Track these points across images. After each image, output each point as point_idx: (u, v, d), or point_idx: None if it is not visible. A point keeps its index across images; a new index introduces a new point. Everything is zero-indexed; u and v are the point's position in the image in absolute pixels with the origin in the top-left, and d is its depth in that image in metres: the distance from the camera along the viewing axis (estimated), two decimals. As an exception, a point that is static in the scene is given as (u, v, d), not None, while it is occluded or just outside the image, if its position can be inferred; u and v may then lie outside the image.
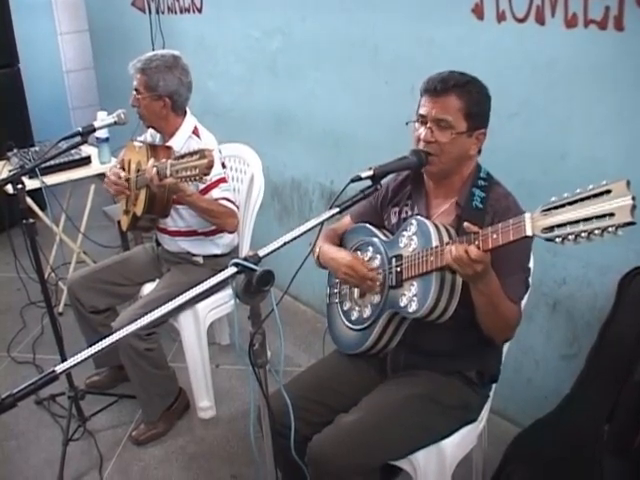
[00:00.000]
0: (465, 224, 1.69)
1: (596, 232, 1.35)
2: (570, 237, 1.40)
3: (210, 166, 2.26)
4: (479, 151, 1.95)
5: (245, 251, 2.96)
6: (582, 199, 1.39)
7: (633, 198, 1.31)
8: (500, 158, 2.18)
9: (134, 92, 2.75)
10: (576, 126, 2.29)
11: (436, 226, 1.85)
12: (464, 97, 1.85)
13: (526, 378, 2.71)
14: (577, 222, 1.39)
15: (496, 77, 2.12)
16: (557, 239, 1.43)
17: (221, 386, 3.21)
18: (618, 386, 2.11)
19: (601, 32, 2.10)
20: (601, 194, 1.36)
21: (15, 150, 3.86)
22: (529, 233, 1.51)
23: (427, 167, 1.91)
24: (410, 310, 1.84)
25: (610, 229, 1.33)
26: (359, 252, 2.13)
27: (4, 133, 4.21)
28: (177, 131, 2.83)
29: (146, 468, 2.75)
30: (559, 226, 1.43)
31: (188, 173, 2.29)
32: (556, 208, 1.44)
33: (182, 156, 2.34)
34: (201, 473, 2.71)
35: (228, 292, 2.96)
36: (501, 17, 2.37)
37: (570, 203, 1.41)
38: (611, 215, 1.33)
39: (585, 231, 1.37)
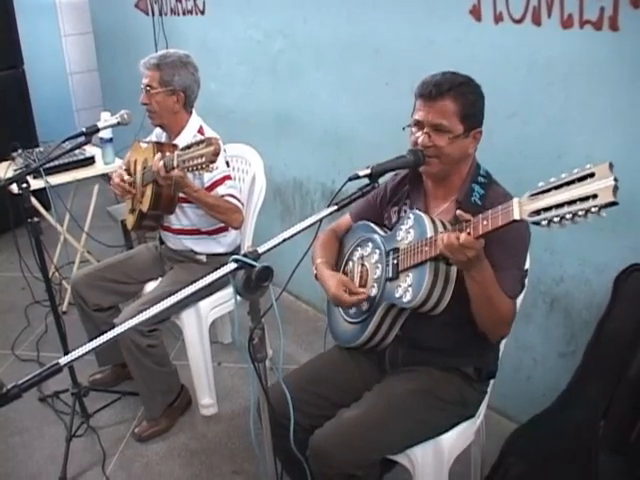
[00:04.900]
0: (458, 212, 1.73)
1: (580, 213, 1.38)
2: (555, 219, 1.43)
3: (217, 153, 2.28)
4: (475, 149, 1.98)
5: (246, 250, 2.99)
6: (567, 183, 1.42)
7: (615, 179, 1.34)
8: (499, 158, 2.20)
9: (146, 89, 2.77)
10: (573, 125, 2.32)
11: (432, 219, 1.89)
12: (459, 100, 1.86)
13: (525, 376, 2.74)
14: (562, 205, 1.42)
15: (494, 77, 2.15)
16: (543, 222, 1.46)
17: (223, 384, 3.24)
18: (614, 382, 2.13)
19: (596, 32, 2.13)
20: (585, 177, 1.39)
21: (20, 150, 3.89)
22: (517, 217, 1.54)
23: (427, 168, 1.94)
24: (405, 300, 1.87)
25: (593, 209, 1.35)
26: (360, 248, 2.16)
27: (9, 134, 4.24)
28: (183, 130, 2.87)
29: (148, 464, 2.78)
30: (545, 210, 1.46)
31: (195, 162, 2.31)
32: (543, 193, 1.47)
33: (189, 146, 2.37)
34: (203, 469, 2.74)
35: (230, 290, 2.99)
36: (498, 18, 2.40)
37: (556, 187, 1.45)
38: (594, 196, 1.36)
39: (569, 213, 1.39)
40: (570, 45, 2.22)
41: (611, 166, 1.36)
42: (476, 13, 2.47)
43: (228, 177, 2.81)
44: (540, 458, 2.22)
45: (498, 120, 2.20)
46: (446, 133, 1.87)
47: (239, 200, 2.78)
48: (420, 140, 1.90)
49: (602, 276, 2.36)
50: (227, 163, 2.88)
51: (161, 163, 2.47)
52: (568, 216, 1.40)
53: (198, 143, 2.33)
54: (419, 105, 1.92)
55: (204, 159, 2.29)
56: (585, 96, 2.26)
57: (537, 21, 2.28)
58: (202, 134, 2.84)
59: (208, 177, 2.74)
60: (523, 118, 2.45)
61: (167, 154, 2.50)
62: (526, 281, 2.04)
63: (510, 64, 2.43)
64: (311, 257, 2.17)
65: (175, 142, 2.81)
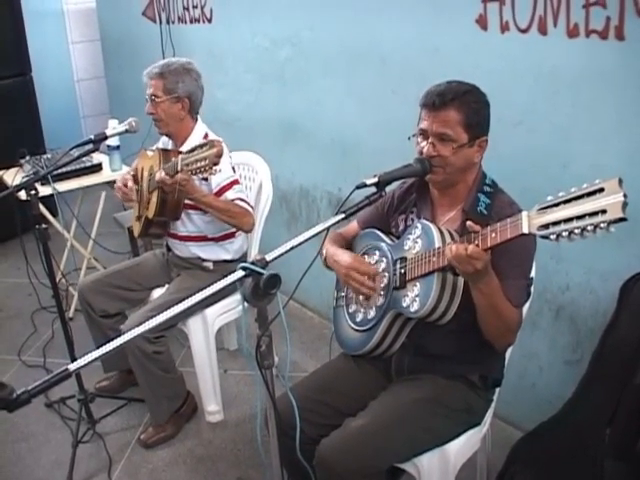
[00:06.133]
0: (468, 223, 1.73)
1: (589, 228, 1.38)
2: (564, 234, 1.43)
3: (219, 155, 2.29)
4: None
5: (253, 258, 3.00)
6: (577, 197, 1.43)
7: (624, 195, 1.34)
8: (505, 166, 2.21)
9: (151, 99, 2.79)
10: (578, 134, 2.32)
11: (440, 229, 1.89)
12: (463, 109, 1.87)
13: (530, 383, 2.74)
14: (571, 219, 1.42)
15: (500, 86, 2.15)
16: (552, 236, 1.47)
17: (229, 391, 3.24)
18: (620, 390, 2.13)
19: (602, 42, 2.14)
20: (594, 192, 1.40)
21: (28, 157, 3.92)
22: (525, 231, 1.54)
23: (431, 176, 1.95)
24: (412, 310, 1.88)
25: (602, 225, 1.36)
26: (366, 256, 2.17)
27: (17, 140, 4.26)
28: (190, 136, 2.88)
29: (154, 470, 2.79)
30: (554, 224, 1.46)
31: (199, 165, 2.32)
32: (552, 207, 1.48)
33: (192, 150, 2.38)
34: (209, 476, 2.74)
35: (236, 297, 3.00)
36: (504, 27, 2.41)
37: (565, 201, 1.45)
38: (603, 212, 1.36)
39: (578, 227, 1.40)
40: (576, 54, 2.23)
41: (621, 182, 1.36)
42: (482, 22, 2.48)
43: (236, 182, 2.82)
44: (545, 465, 2.22)
45: (504, 128, 2.20)
46: (450, 142, 1.88)
47: (249, 203, 2.80)
48: (425, 150, 1.91)
49: (608, 284, 2.36)
50: (233, 169, 2.89)
51: (164, 173, 2.50)
52: (577, 231, 1.40)
53: (201, 146, 2.34)
54: (423, 115, 1.94)
55: (207, 161, 2.30)
56: (591, 105, 2.26)
57: (543, 30, 2.29)
58: (207, 140, 2.86)
59: (216, 183, 2.75)
60: (529, 127, 2.46)
61: (172, 159, 2.52)
62: (532, 289, 2.05)
63: (516, 73, 2.44)
64: (320, 254, 2.16)
65: (181, 149, 2.82)
